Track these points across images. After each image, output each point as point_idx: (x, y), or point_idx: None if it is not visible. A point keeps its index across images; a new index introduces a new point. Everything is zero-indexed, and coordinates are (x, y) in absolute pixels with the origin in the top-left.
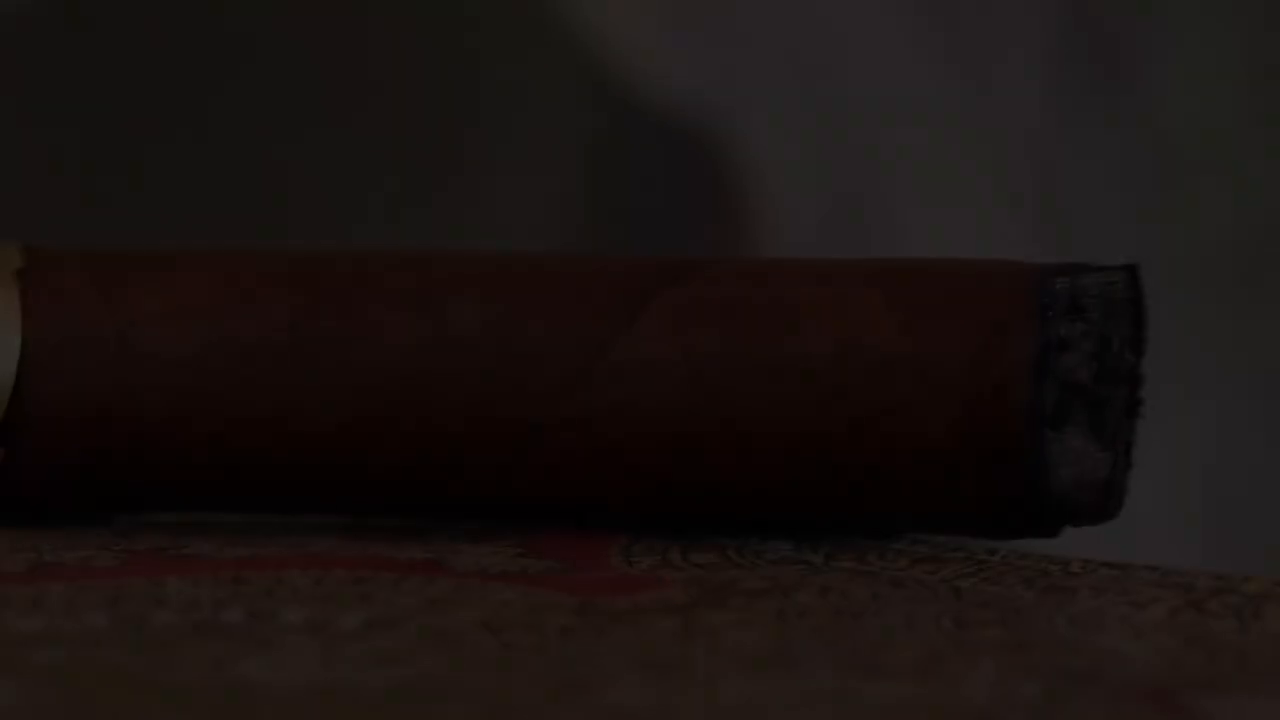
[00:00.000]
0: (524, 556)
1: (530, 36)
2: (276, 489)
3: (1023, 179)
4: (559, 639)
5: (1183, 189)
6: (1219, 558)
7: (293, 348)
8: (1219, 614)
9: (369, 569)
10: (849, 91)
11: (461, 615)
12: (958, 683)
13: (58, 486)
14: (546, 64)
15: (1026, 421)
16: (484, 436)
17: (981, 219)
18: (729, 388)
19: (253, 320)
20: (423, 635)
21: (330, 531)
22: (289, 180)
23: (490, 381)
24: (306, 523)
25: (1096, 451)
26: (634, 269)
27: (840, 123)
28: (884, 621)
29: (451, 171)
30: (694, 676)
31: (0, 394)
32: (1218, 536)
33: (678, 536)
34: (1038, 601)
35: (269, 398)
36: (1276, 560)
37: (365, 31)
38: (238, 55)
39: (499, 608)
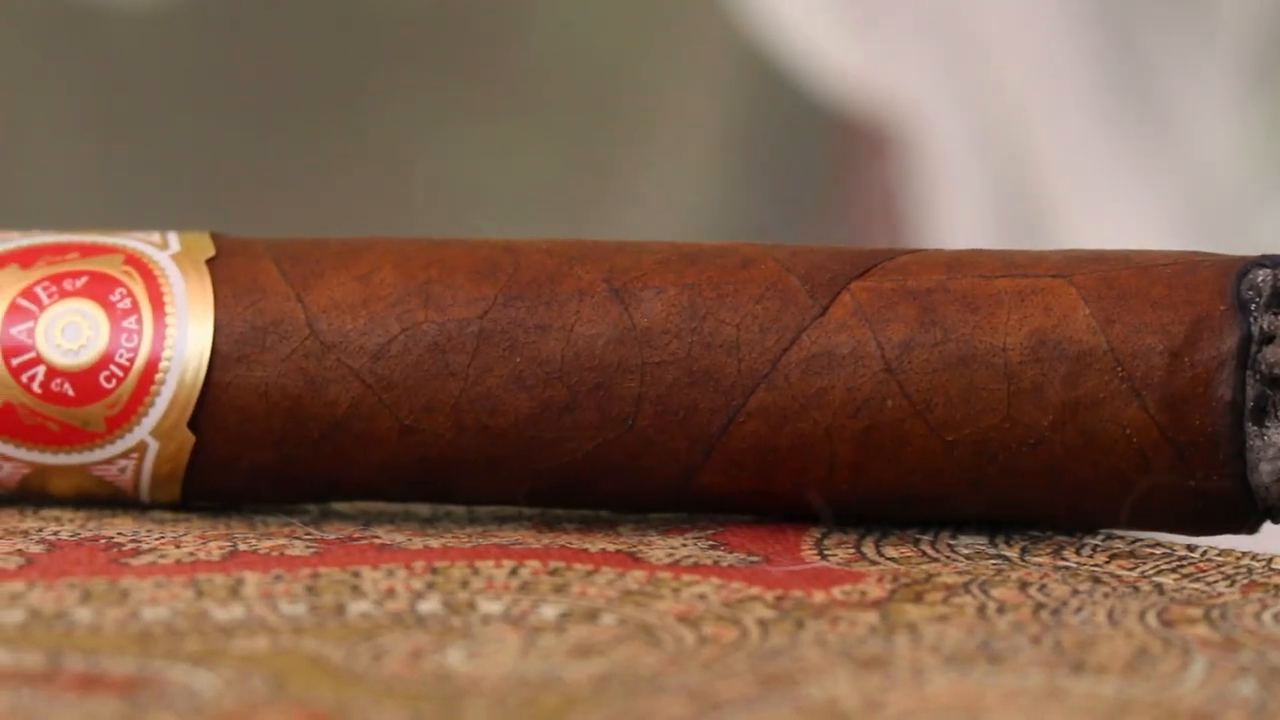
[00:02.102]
0: (716, 549)
1: (697, 25)
2: (463, 479)
3: (1189, 183)
4: (759, 633)
5: None
6: None
7: (482, 338)
8: None
9: (562, 560)
10: (1016, 86)
11: (658, 608)
12: (1170, 681)
13: (247, 475)
14: (713, 53)
15: (1228, 416)
16: (673, 427)
17: (1144, 217)
18: (921, 379)
19: (442, 311)
20: (621, 628)
21: (517, 522)
22: (443, 173)
23: (680, 372)
24: (492, 513)
25: None
26: (824, 259)
27: (1006, 116)
28: (1087, 618)
29: (617, 161)
30: (900, 672)
31: (193, 382)
32: None
33: (869, 529)
34: (1242, 598)
35: (457, 388)
36: None
37: (520, 23)
38: (392, 50)
39: (695, 600)
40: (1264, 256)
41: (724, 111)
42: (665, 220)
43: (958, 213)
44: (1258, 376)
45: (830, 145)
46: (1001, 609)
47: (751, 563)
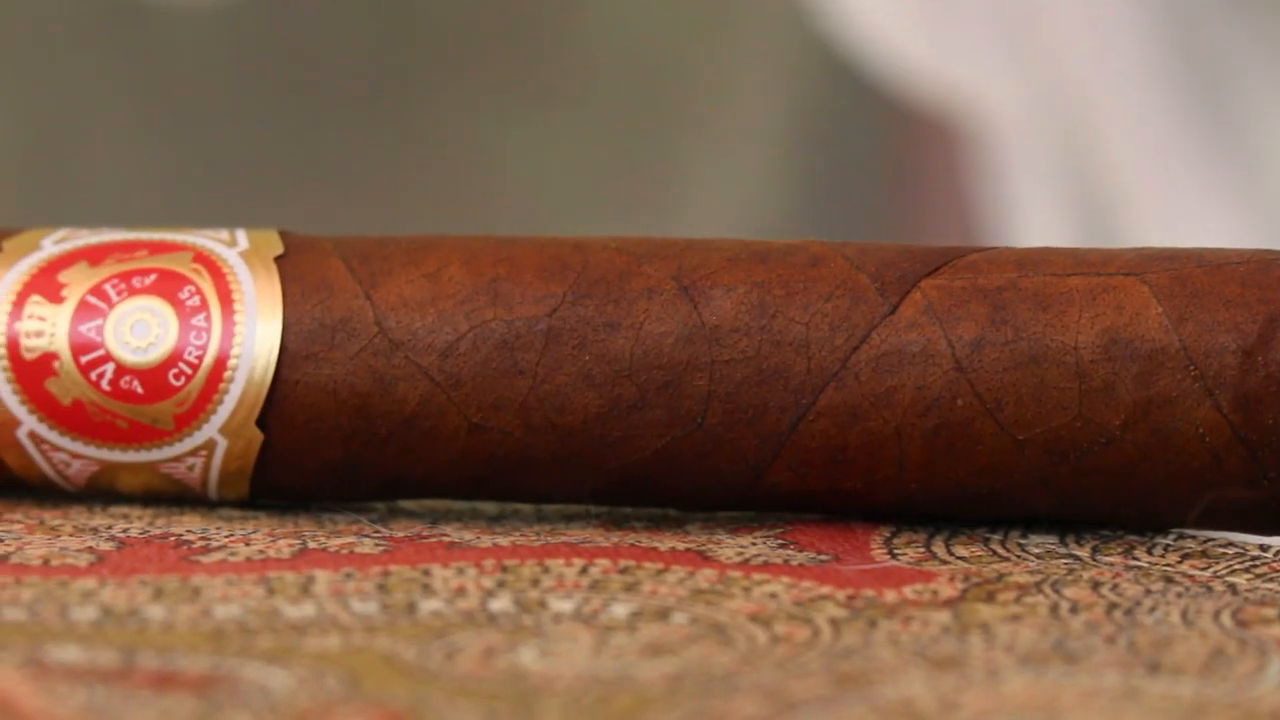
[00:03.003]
0: (785, 547)
1: (760, 16)
2: (531, 477)
3: (1261, 180)
4: (831, 632)
5: None
6: None
7: (550, 336)
8: None
9: (632, 559)
10: (1086, 81)
11: (729, 606)
12: (1247, 682)
13: (315, 472)
14: (777, 44)
15: None
16: (742, 425)
17: (1216, 214)
18: (992, 378)
19: (510, 308)
20: (693, 626)
21: (584, 521)
22: (502, 170)
23: (749, 370)
24: (560, 511)
25: None
26: (894, 257)
27: (1076, 112)
28: (1161, 618)
29: (678, 156)
30: (975, 672)
31: (261, 380)
32: None
33: (939, 528)
34: None
35: (526, 386)
36: None
37: (580, 18)
38: (451, 46)
39: (766, 599)
40: None
41: (788, 104)
42: (728, 216)
43: (1027, 208)
44: None
45: (898, 139)
46: (1074, 609)
47: (821, 561)
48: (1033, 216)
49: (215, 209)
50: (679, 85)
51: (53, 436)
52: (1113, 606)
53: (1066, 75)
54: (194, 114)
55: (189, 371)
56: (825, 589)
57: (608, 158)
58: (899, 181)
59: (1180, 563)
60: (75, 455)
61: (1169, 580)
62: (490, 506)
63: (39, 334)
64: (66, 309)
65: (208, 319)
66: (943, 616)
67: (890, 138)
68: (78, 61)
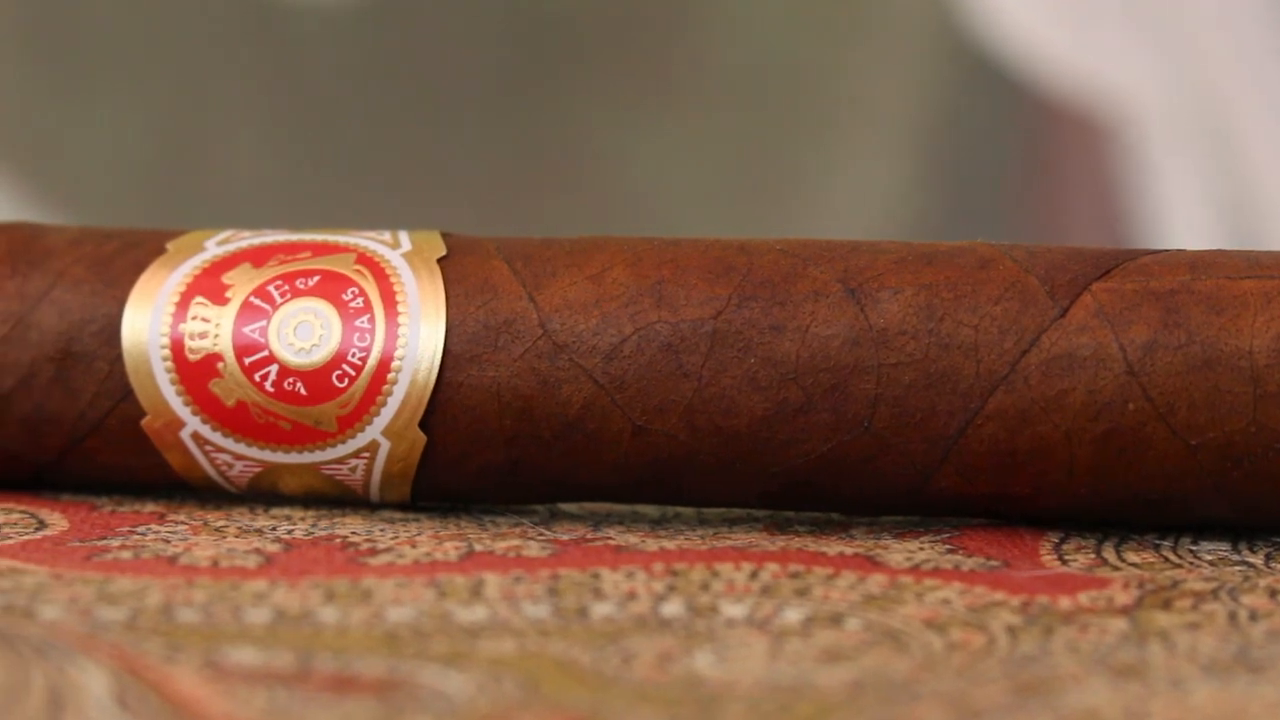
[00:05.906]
0: (954, 552)
1: (894, 12)
2: (695, 481)
3: None
4: (1008, 639)
5: None
6: None
7: (715, 339)
8: None
9: (801, 563)
10: (1229, 81)
11: (902, 612)
12: None
13: (476, 475)
14: (912, 41)
15: None
16: (909, 430)
17: None
18: (1164, 382)
19: (675, 311)
20: (867, 632)
21: (748, 524)
22: (642, 175)
23: (917, 374)
24: (722, 515)
25: None
26: (1063, 259)
27: (1218, 110)
28: None
29: (812, 156)
30: (1158, 681)
31: (425, 382)
32: None
33: (1107, 533)
34: None
35: (690, 389)
36: None
37: (711, 18)
38: (577, 47)
39: (939, 605)
40: None
41: (926, 103)
42: (866, 218)
43: (1171, 206)
44: None
45: (1039, 137)
46: (1253, 616)
47: (992, 567)
48: (1177, 214)
49: (348, 210)
50: (814, 87)
51: (216, 438)
52: None
53: (1211, 72)
54: (327, 114)
55: (352, 373)
56: (998, 595)
57: (743, 162)
58: (1041, 180)
59: None
60: (238, 456)
61: None
62: (652, 509)
63: (203, 335)
64: (230, 310)
65: (371, 320)
66: (1120, 624)
67: (1032, 136)
68: (211, 61)
